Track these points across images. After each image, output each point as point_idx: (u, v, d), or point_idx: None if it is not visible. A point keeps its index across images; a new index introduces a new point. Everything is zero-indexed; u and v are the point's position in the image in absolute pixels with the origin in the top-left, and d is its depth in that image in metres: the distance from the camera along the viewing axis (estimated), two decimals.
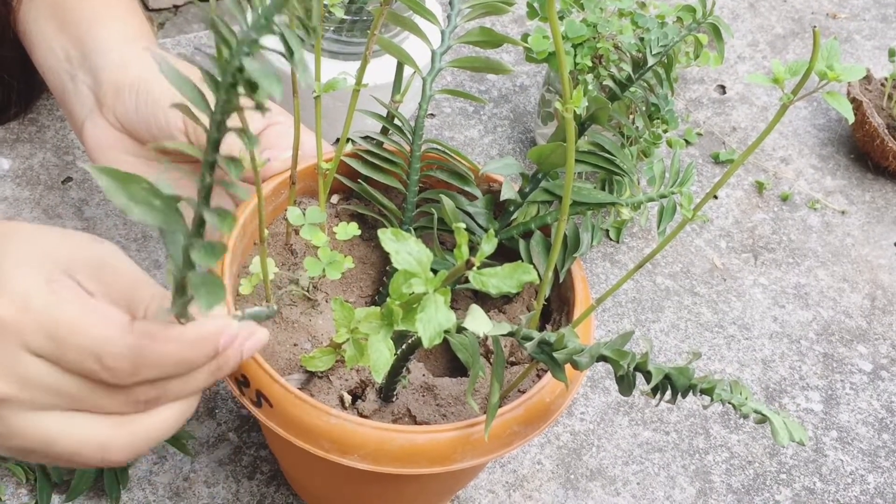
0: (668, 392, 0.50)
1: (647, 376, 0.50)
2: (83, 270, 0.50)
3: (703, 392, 0.49)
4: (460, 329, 0.50)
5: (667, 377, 0.49)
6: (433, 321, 0.44)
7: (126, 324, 0.49)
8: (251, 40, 0.38)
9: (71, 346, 0.48)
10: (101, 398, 0.50)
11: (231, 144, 0.63)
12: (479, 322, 0.47)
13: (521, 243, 0.66)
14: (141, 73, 0.68)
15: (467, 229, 0.66)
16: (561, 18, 0.83)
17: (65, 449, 0.50)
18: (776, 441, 0.47)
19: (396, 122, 0.66)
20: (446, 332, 0.46)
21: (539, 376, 0.61)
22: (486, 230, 0.67)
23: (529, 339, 0.52)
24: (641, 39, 0.76)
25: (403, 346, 0.56)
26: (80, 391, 0.49)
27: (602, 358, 0.50)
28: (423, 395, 0.61)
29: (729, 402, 0.49)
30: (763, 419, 0.48)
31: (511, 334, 0.52)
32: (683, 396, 0.49)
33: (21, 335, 0.48)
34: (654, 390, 0.50)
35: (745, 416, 0.49)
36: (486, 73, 0.85)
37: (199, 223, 0.42)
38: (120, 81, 0.68)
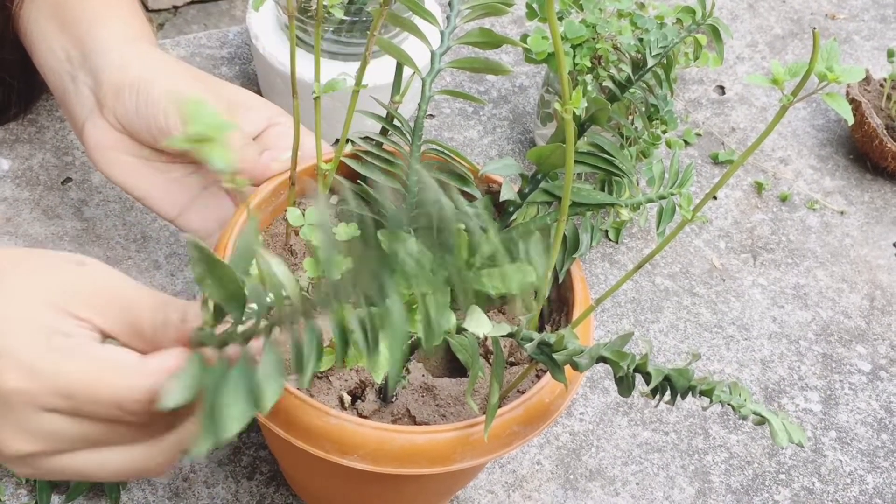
0: (668, 393, 0.50)
1: (647, 377, 0.50)
2: (79, 303, 0.49)
3: (702, 393, 0.49)
4: (460, 330, 0.50)
5: (666, 378, 0.49)
6: (433, 322, 0.44)
7: (138, 365, 0.48)
8: None
9: (88, 403, 0.48)
10: (127, 435, 0.50)
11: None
12: (479, 323, 0.47)
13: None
14: (141, 73, 0.68)
15: (466, 230, 0.66)
16: (560, 19, 0.83)
17: (105, 476, 0.50)
18: (775, 442, 0.47)
19: (396, 122, 0.66)
20: (446, 333, 0.46)
21: (538, 377, 0.61)
22: (484, 230, 0.67)
23: (529, 340, 0.52)
24: (640, 40, 0.76)
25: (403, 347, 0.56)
26: (105, 433, 0.49)
27: (602, 359, 0.50)
28: (423, 396, 0.61)
29: (728, 404, 0.49)
30: (762, 420, 0.48)
31: (511, 335, 0.52)
32: (683, 398, 0.50)
33: (35, 400, 0.47)
34: (654, 392, 0.50)
35: (745, 418, 0.49)
36: (485, 74, 0.86)
37: None
38: (120, 82, 0.68)
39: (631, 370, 0.50)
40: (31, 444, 0.48)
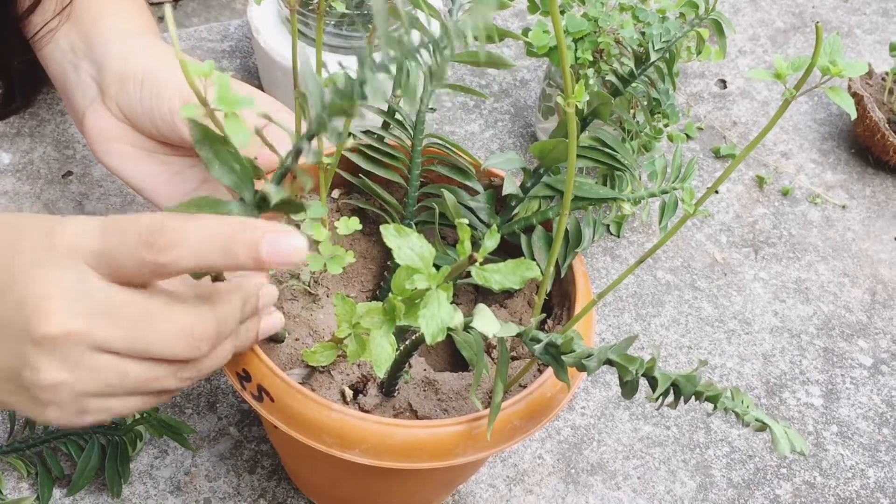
0: (671, 396, 0.50)
1: (653, 382, 0.50)
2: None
3: (707, 400, 0.49)
4: (467, 327, 0.50)
5: (673, 384, 0.49)
6: (436, 317, 0.44)
7: (197, 297, 0.48)
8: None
9: (152, 340, 0.48)
10: (166, 380, 0.50)
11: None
12: (487, 323, 0.47)
13: (523, 238, 0.66)
14: (146, 64, 0.68)
15: (469, 224, 0.66)
16: (562, 13, 0.83)
17: (128, 411, 0.51)
18: (777, 451, 0.47)
19: (397, 116, 0.66)
20: (450, 329, 0.46)
21: (540, 371, 0.61)
22: (487, 225, 0.67)
23: (537, 341, 0.52)
24: (642, 34, 0.76)
25: (406, 343, 0.56)
26: (146, 373, 0.49)
27: (609, 362, 0.50)
28: (425, 390, 0.61)
29: (732, 411, 0.49)
30: (764, 427, 0.48)
31: (519, 335, 0.52)
32: (686, 402, 0.49)
33: (88, 338, 0.47)
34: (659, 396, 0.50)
35: (747, 425, 0.49)
36: (487, 68, 0.85)
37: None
38: (125, 72, 0.68)
39: (639, 375, 0.50)
40: (78, 381, 0.48)
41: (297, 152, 0.44)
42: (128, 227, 0.46)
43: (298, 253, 0.45)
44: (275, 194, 0.45)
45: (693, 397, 0.49)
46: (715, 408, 0.49)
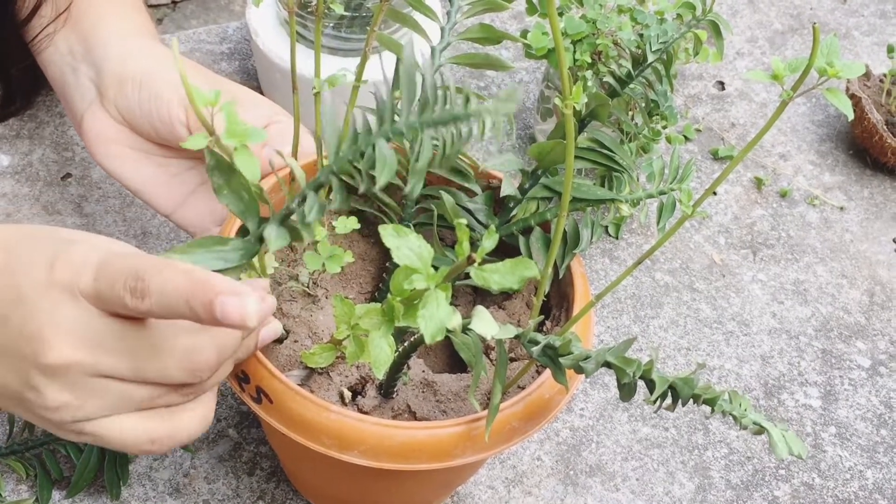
0: (669, 398, 0.50)
1: (651, 384, 0.50)
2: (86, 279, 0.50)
3: (705, 402, 0.49)
4: (465, 329, 0.50)
5: (671, 387, 0.49)
6: (435, 318, 0.44)
7: (194, 325, 0.49)
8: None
9: (153, 369, 0.50)
10: (169, 397, 0.52)
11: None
12: (485, 324, 0.47)
13: (521, 239, 0.67)
14: (145, 66, 0.68)
15: (467, 225, 0.66)
16: (560, 15, 0.83)
17: (119, 445, 0.52)
18: (775, 454, 0.47)
19: (396, 118, 0.66)
20: (449, 331, 0.46)
21: (538, 372, 0.61)
22: (486, 226, 0.67)
23: (535, 342, 0.52)
24: (641, 36, 0.76)
25: (405, 344, 0.56)
26: (152, 394, 0.51)
27: (607, 364, 0.50)
28: (423, 392, 0.61)
29: (730, 414, 0.49)
30: (762, 430, 0.48)
31: (517, 337, 0.52)
32: (684, 405, 0.50)
33: (92, 368, 0.49)
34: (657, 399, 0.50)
35: (745, 428, 0.49)
36: (485, 70, 0.85)
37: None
38: (123, 74, 0.68)
39: (637, 378, 0.50)
40: (82, 404, 0.49)
41: (302, 198, 0.45)
42: (117, 274, 0.48)
43: (247, 317, 0.46)
44: (274, 239, 0.45)
45: (691, 400, 0.49)
46: (713, 411, 0.49)
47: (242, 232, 0.58)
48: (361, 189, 0.42)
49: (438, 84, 0.40)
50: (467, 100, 0.39)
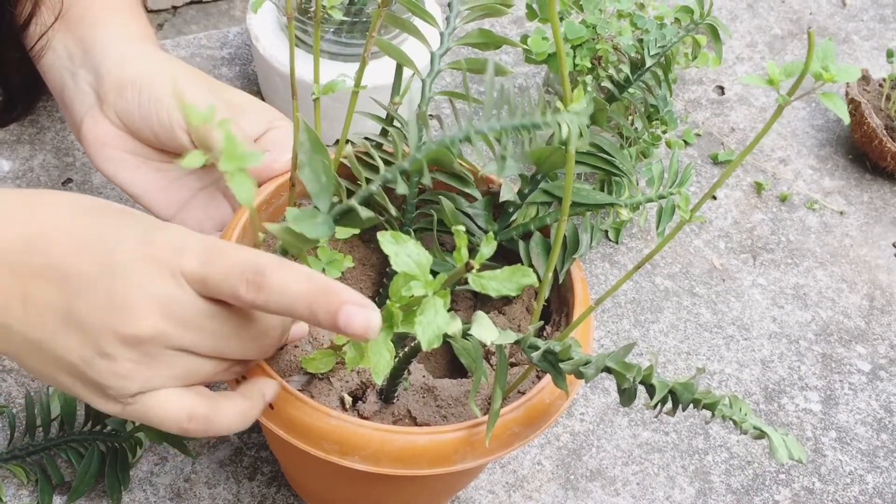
0: (669, 403, 0.50)
1: (651, 389, 0.50)
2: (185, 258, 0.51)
3: (705, 407, 0.49)
4: (465, 334, 0.50)
5: (671, 391, 0.49)
6: (432, 324, 0.44)
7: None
8: None
9: (234, 347, 0.52)
10: (234, 368, 0.54)
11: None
12: (485, 330, 0.47)
13: (521, 244, 0.67)
14: (144, 71, 0.68)
15: (467, 231, 0.66)
16: (560, 20, 0.83)
17: (160, 419, 0.53)
18: (775, 458, 0.47)
19: (396, 123, 0.66)
20: (450, 336, 0.46)
21: (539, 377, 0.61)
22: (485, 231, 0.68)
23: (536, 348, 0.52)
24: (640, 41, 0.76)
25: (405, 350, 0.56)
26: (214, 370, 0.53)
27: (607, 369, 0.50)
28: (424, 397, 0.61)
29: (730, 419, 0.49)
30: (762, 435, 0.48)
31: (518, 343, 0.52)
32: (684, 410, 0.50)
33: (176, 342, 0.50)
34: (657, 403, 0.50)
35: (745, 433, 0.49)
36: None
37: None
38: (122, 79, 0.68)
39: (637, 383, 0.50)
40: (157, 382, 0.51)
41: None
42: (232, 263, 0.49)
43: (371, 330, 0.48)
44: (363, 213, 0.49)
45: (691, 405, 0.49)
46: (713, 415, 0.49)
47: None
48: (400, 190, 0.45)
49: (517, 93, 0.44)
50: (545, 108, 0.43)
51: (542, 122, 0.45)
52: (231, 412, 0.53)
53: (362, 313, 0.47)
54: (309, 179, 0.49)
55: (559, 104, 0.51)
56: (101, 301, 0.49)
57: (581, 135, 0.44)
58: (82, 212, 0.53)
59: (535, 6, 0.85)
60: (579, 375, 0.51)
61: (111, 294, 0.49)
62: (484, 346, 0.65)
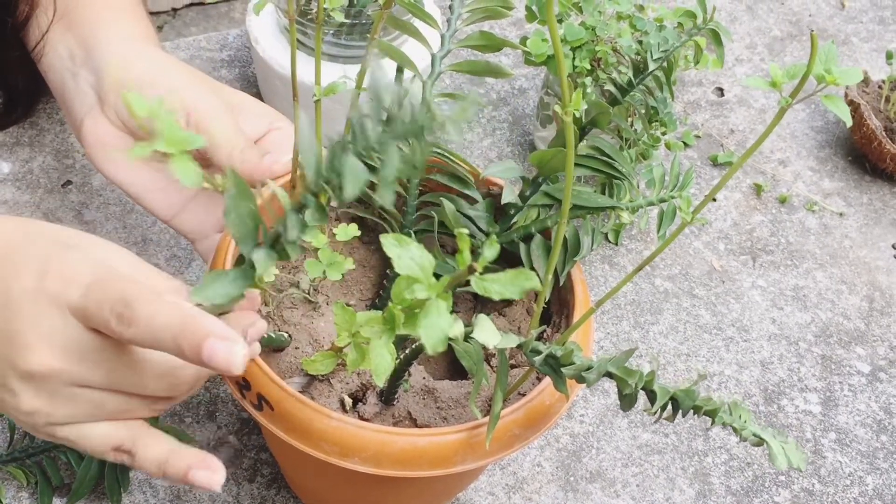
0: (669, 409, 0.50)
1: (652, 395, 0.50)
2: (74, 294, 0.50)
3: (706, 414, 0.49)
4: (467, 337, 0.50)
5: (672, 398, 0.49)
6: (436, 327, 0.44)
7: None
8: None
9: (130, 383, 0.51)
10: (141, 410, 0.53)
11: (230, 154, 0.63)
12: (488, 334, 0.47)
13: (522, 246, 0.67)
14: (146, 72, 0.68)
15: (468, 233, 0.66)
16: (559, 21, 0.83)
17: (87, 449, 0.53)
18: (774, 465, 0.47)
19: None
20: (452, 339, 0.46)
21: (539, 379, 0.61)
22: (486, 234, 0.68)
23: (538, 352, 0.52)
24: (640, 42, 0.76)
25: (406, 352, 0.56)
26: (122, 406, 0.52)
27: (608, 374, 0.50)
28: (424, 398, 0.61)
29: (730, 426, 0.49)
30: (761, 442, 0.48)
31: (519, 346, 0.52)
32: (684, 416, 0.50)
33: (70, 378, 0.50)
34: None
35: (745, 440, 0.49)
36: (485, 77, 0.86)
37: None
38: (123, 79, 0.68)
39: (638, 388, 0.50)
40: (54, 411, 0.50)
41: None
42: (105, 296, 0.48)
43: (234, 364, 0.46)
44: (262, 262, 0.46)
45: (691, 411, 0.49)
46: (713, 422, 0.49)
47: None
48: (334, 202, 0.43)
49: (403, 98, 0.41)
50: (429, 110, 0.40)
51: (428, 125, 0.41)
52: (156, 449, 0.53)
53: (224, 347, 0.46)
54: (234, 224, 0.47)
55: (556, 107, 0.51)
56: (2, 335, 0.50)
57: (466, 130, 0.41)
58: None
59: (534, 8, 0.85)
60: (581, 380, 0.51)
61: (7, 328, 0.49)
62: (484, 348, 0.65)
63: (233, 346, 0.46)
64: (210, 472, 0.51)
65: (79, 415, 0.51)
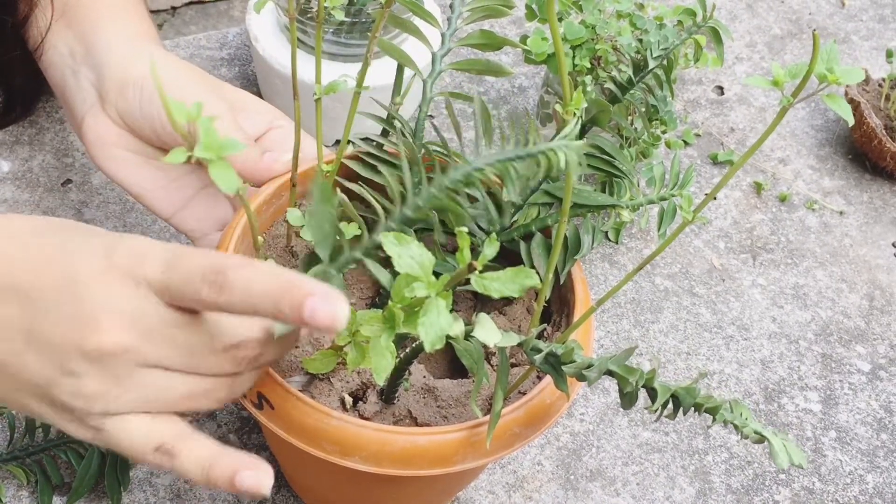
0: (670, 407, 0.50)
1: (653, 393, 0.50)
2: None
3: (707, 411, 0.49)
4: (467, 336, 0.50)
5: (673, 396, 0.49)
6: (435, 326, 0.44)
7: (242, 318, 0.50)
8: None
9: (206, 359, 0.50)
10: (205, 395, 0.52)
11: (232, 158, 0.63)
12: (488, 332, 0.47)
13: (522, 245, 0.67)
14: (147, 69, 0.68)
15: (468, 232, 0.66)
16: (560, 20, 0.83)
17: (127, 447, 0.51)
18: (775, 463, 0.47)
19: (396, 123, 0.66)
20: (451, 338, 0.46)
21: (539, 377, 0.61)
22: (486, 232, 0.68)
23: (538, 350, 0.52)
24: (640, 41, 0.76)
25: (406, 350, 0.56)
26: (189, 388, 0.51)
27: (609, 373, 0.50)
28: (424, 397, 0.61)
29: (732, 423, 0.49)
30: (762, 440, 0.48)
31: (520, 345, 0.52)
32: (685, 414, 0.50)
33: (144, 357, 0.49)
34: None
35: (746, 437, 0.49)
36: (485, 75, 0.86)
37: None
38: (124, 77, 0.68)
39: (639, 387, 0.50)
40: (125, 403, 0.49)
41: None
42: (193, 265, 0.48)
43: (337, 321, 0.46)
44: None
45: (692, 409, 0.49)
46: (714, 420, 0.49)
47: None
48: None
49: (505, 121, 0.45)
50: (537, 136, 0.45)
51: (538, 151, 0.46)
52: (199, 452, 0.51)
53: (327, 305, 0.45)
54: (312, 227, 0.48)
55: (559, 106, 0.51)
56: (65, 317, 0.48)
57: (580, 164, 0.45)
58: (38, 233, 0.52)
59: (534, 7, 0.85)
60: (581, 378, 0.51)
61: (75, 309, 0.48)
62: (485, 346, 0.65)
63: (335, 303, 0.46)
64: (260, 473, 0.49)
65: (142, 400, 0.49)
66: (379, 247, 0.48)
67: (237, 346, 0.51)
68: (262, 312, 0.47)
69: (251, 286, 0.46)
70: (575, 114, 0.50)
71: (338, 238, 0.49)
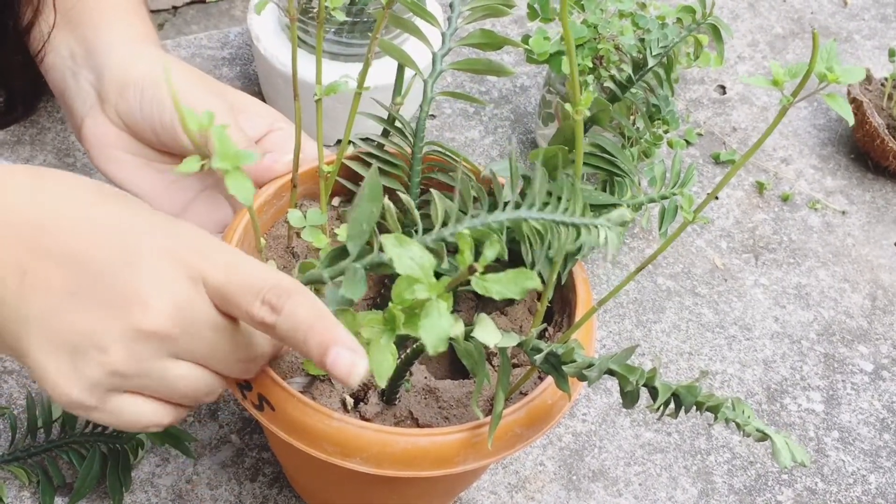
0: (672, 406, 0.50)
1: (654, 392, 0.50)
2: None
3: (708, 410, 0.49)
4: (468, 337, 0.50)
5: (674, 394, 0.49)
6: (437, 327, 0.44)
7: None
8: None
9: (223, 361, 0.52)
10: (214, 388, 0.54)
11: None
12: (488, 333, 0.47)
13: (523, 245, 0.66)
14: (147, 71, 0.68)
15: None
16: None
17: (127, 420, 0.53)
18: (778, 462, 0.47)
19: (397, 124, 0.66)
20: (452, 339, 0.46)
21: (541, 378, 0.61)
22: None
23: (539, 350, 0.52)
24: (642, 40, 0.76)
25: (407, 352, 0.56)
26: (201, 384, 0.53)
27: (610, 372, 0.50)
28: (426, 398, 0.61)
29: (733, 422, 0.49)
30: (765, 438, 0.48)
31: (520, 345, 0.52)
32: (687, 412, 0.49)
33: (175, 347, 0.50)
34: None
35: (748, 436, 0.49)
36: (486, 75, 0.86)
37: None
38: (125, 79, 0.68)
39: (640, 385, 0.50)
40: (137, 377, 0.50)
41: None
42: (253, 279, 0.50)
43: (353, 376, 0.48)
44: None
45: (694, 408, 0.49)
46: (716, 418, 0.49)
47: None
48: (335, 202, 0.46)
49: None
50: (586, 209, 0.48)
51: (583, 224, 0.48)
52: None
53: (350, 358, 0.48)
54: (353, 221, 0.50)
55: (567, 106, 0.51)
56: (117, 288, 0.49)
57: (617, 244, 0.47)
58: (100, 199, 0.52)
59: (536, 6, 0.85)
60: (582, 378, 0.51)
61: (129, 284, 0.49)
62: (486, 347, 0.65)
63: (358, 359, 0.48)
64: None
65: (150, 387, 0.51)
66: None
67: (255, 359, 0.53)
68: (292, 341, 0.49)
69: (297, 313, 0.49)
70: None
71: (370, 238, 0.50)
